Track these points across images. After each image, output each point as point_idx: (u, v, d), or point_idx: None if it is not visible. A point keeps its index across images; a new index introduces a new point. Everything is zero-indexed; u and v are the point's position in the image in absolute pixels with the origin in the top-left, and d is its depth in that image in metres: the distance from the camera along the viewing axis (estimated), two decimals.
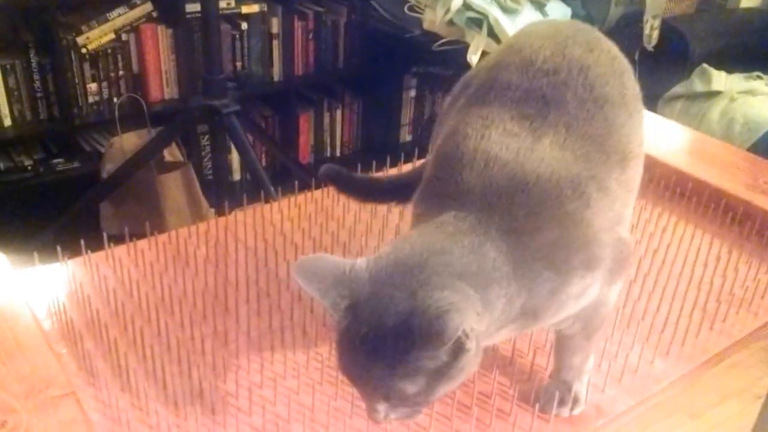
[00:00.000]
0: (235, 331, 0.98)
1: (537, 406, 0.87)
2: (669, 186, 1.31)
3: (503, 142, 0.77)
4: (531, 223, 0.74)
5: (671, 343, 1.00)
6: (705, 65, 2.77)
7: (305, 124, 3.18)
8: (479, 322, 0.70)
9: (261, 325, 0.99)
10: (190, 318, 0.97)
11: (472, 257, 0.71)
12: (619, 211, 0.83)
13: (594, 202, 0.77)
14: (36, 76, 2.64)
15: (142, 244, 1.11)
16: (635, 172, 0.87)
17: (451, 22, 2.61)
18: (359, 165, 1.23)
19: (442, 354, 0.68)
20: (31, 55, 2.62)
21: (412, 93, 3.34)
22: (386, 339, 0.67)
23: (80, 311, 0.99)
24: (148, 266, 1.07)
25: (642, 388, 0.94)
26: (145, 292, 1.02)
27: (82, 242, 1.03)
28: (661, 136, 1.49)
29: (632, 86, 0.90)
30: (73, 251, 1.05)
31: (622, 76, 0.88)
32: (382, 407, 0.72)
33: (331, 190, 1.26)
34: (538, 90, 0.82)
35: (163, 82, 2.85)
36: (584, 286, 0.78)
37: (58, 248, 1.03)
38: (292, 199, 1.25)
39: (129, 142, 2.61)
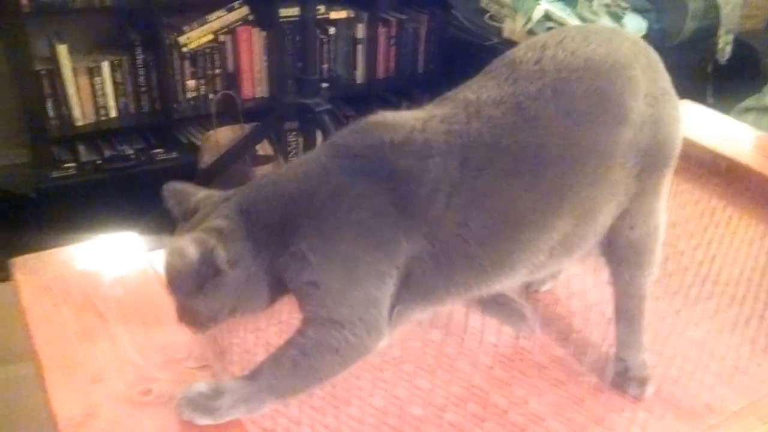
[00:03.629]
0: None
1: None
2: (765, 194, 1.25)
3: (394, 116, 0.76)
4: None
5: None
6: None
7: None
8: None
9: None
10: None
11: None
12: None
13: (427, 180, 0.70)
14: (140, 72, 2.69)
15: None
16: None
17: (531, 32, 2.56)
18: None
19: (195, 269, 0.70)
20: (137, 53, 2.66)
21: None
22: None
23: None
24: None
25: (751, 388, 0.89)
26: None
27: None
28: (751, 145, 1.43)
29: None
30: None
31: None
32: (176, 307, 0.77)
33: None
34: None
35: (255, 81, 2.87)
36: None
37: None
38: None
39: (223, 136, 2.63)
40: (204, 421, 0.73)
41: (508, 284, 0.79)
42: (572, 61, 0.76)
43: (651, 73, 0.80)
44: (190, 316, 0.76)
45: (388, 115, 0.76)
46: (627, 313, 0.88)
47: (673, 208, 1.22)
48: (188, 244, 0.69)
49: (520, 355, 0.91)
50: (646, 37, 2.64)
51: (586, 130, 0.74)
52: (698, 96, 2.43)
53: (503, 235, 0.73)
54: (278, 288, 0.75)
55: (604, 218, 0.80)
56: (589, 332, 0.95)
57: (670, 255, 1.10)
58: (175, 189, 0.80)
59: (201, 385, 0.75)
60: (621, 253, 0.84)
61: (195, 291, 0.72)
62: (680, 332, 0.95)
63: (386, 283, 0.72)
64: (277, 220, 0.72)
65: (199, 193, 0.79)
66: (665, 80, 0.82)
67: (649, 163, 0.79)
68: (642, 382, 0.86)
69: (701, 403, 0.86)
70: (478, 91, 0.76)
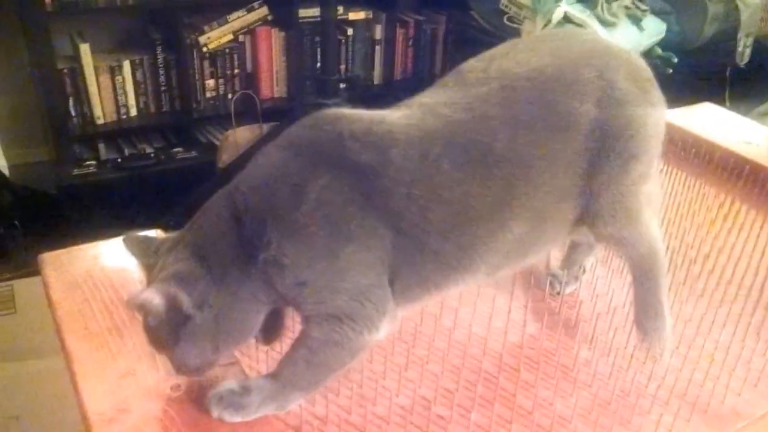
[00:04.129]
0: None
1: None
2: None
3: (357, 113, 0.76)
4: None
5: None
6: None
7: None
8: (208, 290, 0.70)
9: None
10: None
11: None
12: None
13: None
14: (161, 72, 2.70)
15: None
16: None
17: None
18: None
19: (164, 320, 0.69)
20: (158, 52, 2.68)
21: None
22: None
23: None
24: None
25: None
26: None
27: None
28: None
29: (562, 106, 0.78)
30: None
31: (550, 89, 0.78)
32: (166, 361, 0.75)
33: None
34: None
35: (273, 81, 2.88)
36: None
37: None
38: None
39: (242, 135, 2.63)
40: (234, 418, 0.73)
41: (471, 282, 0.80)
42: (517, 70, 0.78)
43: (611, 75, 0.79)
44: (181, 365, 0.74)
45: (342, 110, 0.76)
46: (639, 270, 0.89)
47: (698, 212, 1.21)
48: (151, 297, 0.68)
49: (545, 357, 0.91)
50: (665, 40, 2.64)
51: (530, 136, 0.75)
52: (716, 99, 2.41)
53: (462, 230, 0.74)
54: (261, 304, 0.73)
55: (559, 222, 0.81)
56: (613, 334, 0.95)
57: (695, 258, 1.09)
58: (134, 240, 0.77)
59: (230, 383, 0.75)
60: (610, 246, 0.90)
61: (173, 340, 0.71)
62: (705, 335, 0.95)
63: (372, 271, 0.71)
64: (238, 238, 0.70)
65: (156, 240, 0.77)
66: (631, 83, 0.80)
67: (605, 166, 0.79)
68: (659, 348, 0.87)
69: (728, 407, 0.85)
70: (431, 96, 0.79)
